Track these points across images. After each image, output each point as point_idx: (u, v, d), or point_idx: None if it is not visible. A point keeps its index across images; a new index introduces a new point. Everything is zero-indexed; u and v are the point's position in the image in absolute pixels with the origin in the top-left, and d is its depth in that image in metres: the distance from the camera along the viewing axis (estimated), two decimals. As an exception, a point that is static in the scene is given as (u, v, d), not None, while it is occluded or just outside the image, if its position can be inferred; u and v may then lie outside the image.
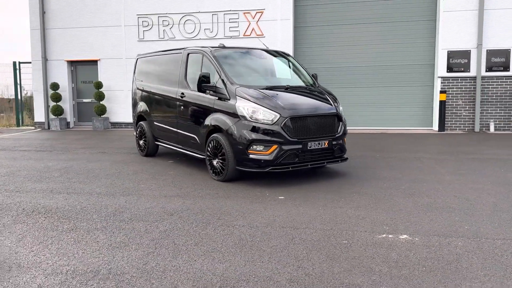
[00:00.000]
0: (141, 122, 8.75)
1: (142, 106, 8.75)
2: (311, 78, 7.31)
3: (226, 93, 6.25)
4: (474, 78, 12.75)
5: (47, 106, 15.46)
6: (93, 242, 3.89)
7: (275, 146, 5.81)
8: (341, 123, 6.44)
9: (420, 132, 12.70)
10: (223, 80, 6.36)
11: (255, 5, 13.86)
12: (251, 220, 4.48)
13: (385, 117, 13.75)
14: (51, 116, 15.28)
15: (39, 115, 15.62)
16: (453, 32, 12.76)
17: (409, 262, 3.37)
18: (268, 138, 5.83)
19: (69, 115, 15.57)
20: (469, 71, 12.80)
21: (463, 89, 12.89)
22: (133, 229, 4.25)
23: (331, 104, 6.45)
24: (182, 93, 7.20)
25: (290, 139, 5.85)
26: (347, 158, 6.63)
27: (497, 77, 12.68)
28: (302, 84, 7.02)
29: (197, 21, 14.29)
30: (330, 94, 6.81)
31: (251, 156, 5.89)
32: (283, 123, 5.82)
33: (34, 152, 9.55)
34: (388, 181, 6.18)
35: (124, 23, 14.77)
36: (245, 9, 13.93)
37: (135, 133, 9.53)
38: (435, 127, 13.15)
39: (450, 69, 12.90)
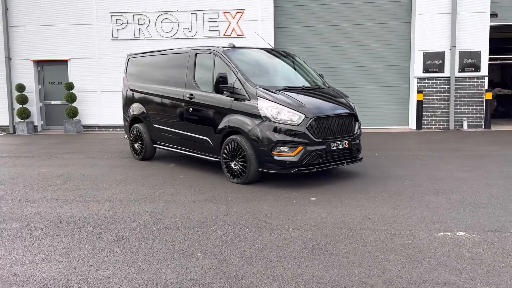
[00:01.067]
0: (137, 125, 8.38)
1: (137, 108, 8.38)
2: (320, 78, 7.32)
3: (245, 94, 6.12)
4: (448, 78, 13.33)
5: (11, 109, 14.48)
6: (152, 253, 3.65)
7: (300, 147, 5.75)
8: (357, 123, 6.50)
9: (398, 131, 13.10)
10: (240, 81, 6.22)
11: (235, 5, 13.72)
12: (301, 223, 4.40)
13: (364, 116, 14.03)
14: (17, 119, 14.33)
15: (3, 118, 14.59)
16: (428, 34, 13.28)
17: (485, 258, 3.44)
18: (293, 139, 5.76)
19: (36, 118, 14.67)
20: (443, 72, 13.37)
21: (438, 89, 13.45)
22: (185, 236, 4.04)
23: (348, 104, 6.49)
24: (191, 94, 6.96)
25: (315, 139, 5.81)
26: (362, 158, 6.70)
27: (469, 77, 13.34)
28: (314, 84, 7.01)
29: (175, 20, 13.93)
30: (343, 94, 6.85)
31: (275, 157, 5.80)
32: (308, 123, 5.78)
33: (15, 159, 8.90)
34: (407, 180, 6.30)
35: (97, 21, 14.12)
36: (225, 8, 13.75)
37: (126, 136, 9.16)
38: (412, 125, 13.61)
39: (425, 69, 13.41)
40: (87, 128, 14.49)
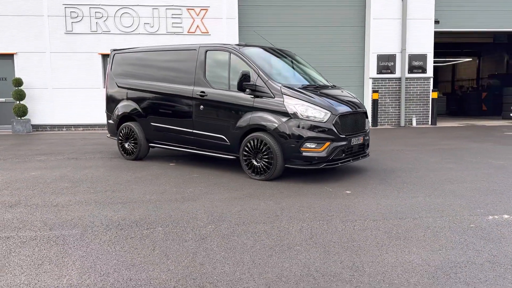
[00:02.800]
0: (129, 123, 8.04)
1: (128, 105, 8.04)
2: (323, 77, 7.62)
3: (269, 92, 6.22)
4: (399, 79, 14.44)
5: None
6: (252, 248, 3.65)
7: (328, 143, 5.99)
8: (367, 120, 6.90)
9: (358, 128, 13.90)
10: (261, 79, 6.30)
11: (200, 2, 13.59)
12: (361, 214, 4.63)
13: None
14: (-47, 118, 12.86)
15: None
16: (381, 38, 14.26)
17: (545, 235, 3.95)
18: (321, 135, 5.98)
19: (-25, 117, 13.28)
20: (395, 73, 14.45)
21: (390, 88, 14.51)
22: (264, 232, 4.07)
23: (359, 102, 6.87)
24: (202, 92, 6.87)
25: (340, 136, 6.10)
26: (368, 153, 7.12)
27: (417, 78, 14.57)
28: (321, 83, 7.28)
29: (135, 14, 13.43)
30: (349, 92, 7.21)
31: (304, 153, 5.98)
32: (334, 120, 6.04)
33: (-16, 161, 8.07)
34: (412, 171, 6.82)
35: (48, 13, 13.14)
36: (188, 5, 13.55)
37: (109, 136, 8.73)
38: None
39: (379, 71, 14.39)
40: (37, 128, 13.45)
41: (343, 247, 3.68)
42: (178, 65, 7.35)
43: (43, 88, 13.32)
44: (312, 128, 5.97)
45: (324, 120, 6.00)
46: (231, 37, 13.58)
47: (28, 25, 13.07)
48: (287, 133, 6.01)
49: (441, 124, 14.86)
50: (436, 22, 14.60)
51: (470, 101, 22.63)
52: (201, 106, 6.91)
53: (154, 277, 3.15)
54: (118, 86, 8.25)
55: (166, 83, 7.44)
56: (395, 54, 14.37)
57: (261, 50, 7.15)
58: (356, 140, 6.40)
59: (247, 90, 6.35)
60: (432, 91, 14.56)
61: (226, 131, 6.64)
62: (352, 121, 6.41)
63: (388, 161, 7.73)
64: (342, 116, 6.18)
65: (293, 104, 6.04)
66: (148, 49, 8.01)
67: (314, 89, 6.58)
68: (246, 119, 6.38)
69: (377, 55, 14.30)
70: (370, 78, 14.38)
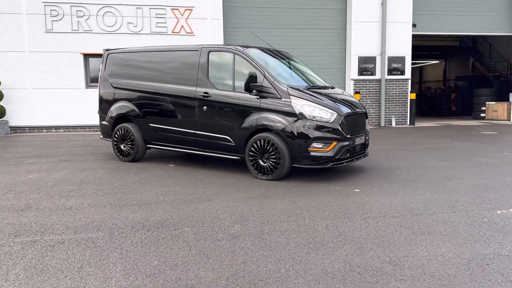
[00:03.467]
0: (125, 124, 7.93)
1: (125, 106, 7.93)
2: (320, 78, 7.78)
3: (276, 92, 6.31)
4: (379, 80, 14.85)
5: None
6: (294, 244, 3.73)
7: (334, 143, 6.14)
8: (367, 120, 7.10)
9: (341, 128, 14.20)
10: (268, 80, 6.38)
11: (184, 2, 13.52)
12: (378, 211, 4.79)
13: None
14: None
15: None
16: (362, 40, 14.63)
17: (554, 228, 4.23)
18: (328, 135, 6.12)
19: None
20: (375, 75, 14.86)
21: (371, 90, 14.90)
22: (293, 230, 4.16)
23: (359, 103, 7.06)
24: (206, 93, 6.88)
25: (346, 135, 6.26)
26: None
27: (396, 80, 15.03)
28: (321, 84, 7.42)
29: (118, 13, 13.21)
30: (348, 93, 7.39)
31: (312, 153, 6.11)
32: (340, 120, 6.20)
33: (-28, 164, 7.76)
34: (410, 169, 7.08)
35: (27, 11, 12.73)
36: (173, 5, 13.46)
37: (102, 137, 8.58)
38: (349, 123, 14.85)
39: (360, 72, 14.75)
40: (16, 129, 13.01)
41: (374, 243, 3.82)
42: (179, 66, 7.32)
43: (22, 88, 12.89)
44: (319, 128, 6.10)
45: (331, 121, 6.14)
46: (216, 37, 13.58)
47: (6, 23, 12.62)
48: (295, 133, 6.11)
49: (418, 124, 15.38)
50: (414, 25, 15.11)
51: (440, 102, 23.54)
52: (204, 107, 6.91)
53: (202, 276, 3.18)
54: (113, 87, 8.12)
55: (166, 84, 7.40)
56: (375, 57, 14.77)
57: (262, 51, 7.23)
58: (359, 140, 6.59)
59: (254, 91, 6.41)
60: (410, 92, 15.06)
61: (231, 131, 6.68)
62: (355, 121, 6.59)
63: (383, 160, 7.97)
64: (347, 116, 6.35)
65: (300, 105, 6.16)
66: (146, 49, 7.93)
67: (317, 90, 6.71)
68: (252, 120, 6.44)
69: (358, 57, 14.66)
70: (351, 79, 14.71)
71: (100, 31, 13.14)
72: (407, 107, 15.14)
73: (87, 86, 13.36)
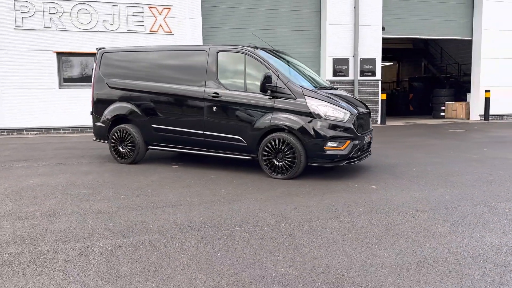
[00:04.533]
0: (124, 125, 7.73)
1: (123, 107, 7.73)
2: (320, 78, 7.98)
3: (290, 93, 6.42)
4: (352, 81, 15.37)
5: None
6: (353, 240, 3.86)
7: (348, 142, 6.35)
8: (370, 119, 7.38)
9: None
10: (282, 80, 6.48)
11: (162, 1, 13.30)
12: (407, 206, 5.02)
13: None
14: None
15: None
16: (336, 42, 15.07)
17: None
18: (343, 134, 6.32)
19: None
20: (348, 76, 15.35)
21: (345, 90, 15.36)
22: (335, 227, 4.30)
23: (364, 103, 7.33)
24: (215, 93, 6.87)
25: (358, 134, 6.49)
26: (369, 150, 7.62)
27: (368, 81, 15.61)
28: (325, 84, 7.62)
29: (93, 11, 12.77)
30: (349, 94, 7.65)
31: (327, 152, 6.28)
32: (353, 120, 6.42)
33: (-42, 170, 7.26)
34: (411, 166, 7.43)
35: (-6, 6, 11.99)
36: (150, 3, 13.20)
37: (95, 139, 8.31)
38: (324, 123, 15.25)
39: (335, 73, 15.19)
40: (-16, 132, 12.21)
41: (424, 236, 4.03)
42: (184, 66, 7.24)
43: (-10, 88, 12.13)
44: (334, 127, 6.29)
45: (345, 120, 6.34)
46: (195, 37, 13.48)
47: (-29, 19, 11.83)
48: (311, 133, 6.26)
49: (388, 123, 16.06)
50: (383, 28, 15.76)
51: (399, 102, 24.68)
52: (214, 107, 6.89)
53: (284, 273, 3.23)
54: (110, 87, 7.89)
55: (170, 84, 7.29)
56: (348, 58, 15.27)
57: (269, 52, 7.31)
58: (367, 139, 6.85)
59: (268, 91, 6.48)
60: (381, 93, 15.70)
61: (243, 131, 6.71)
62: (363, 120, 6.84)
63: (380, 158, 8.31)
64: (358, 116, 6.58)
65: (316, 105, 6.31)
66: (147, 48, 7.78)
67: (327, 91, 6.89)
68: (266, 120, 6.51)
69: (333, 58, 15.08)
70: (326, 80, 15.08)
71: (74, 29, 12.63)
72: (378, 107, 15.77)
73: (61, 86, 12.80)
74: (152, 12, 13.21)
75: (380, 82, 15.75)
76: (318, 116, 6.28)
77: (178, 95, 7.20)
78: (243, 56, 6.81)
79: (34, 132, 12.58)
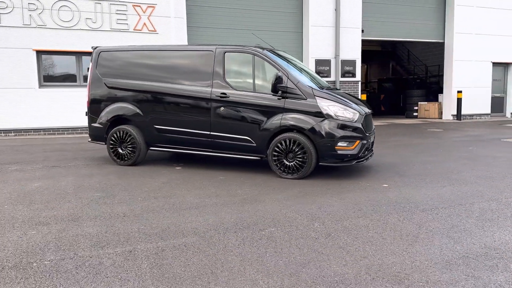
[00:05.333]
0: (123, 126, 7.54)
1: (123, 107, 7.54)
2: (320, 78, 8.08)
3: (301, 93, 6.47)
4: (334, 82, 15.62)
5: None
6: (374, 240, 3.95)
7: (358, 141, 6.47)
8: (372, 119, 7.55)
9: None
10: (292, 81, 6.52)
11: (146, -1, 13.04)
12: (423, 205, 5.17)
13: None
14: None
15: None
16: (318, 43, 15.28)
17: None
18: (353, 134, 6.43)
19: None
20: (330, 77, 15.60)
21: (326, 91, 15.59)
22: (373, 224, 4.38)
23: (366, 103, 7.49)
24: (223, 93, 6.82)
25: (366, 134, 6.63)
26: (370, 150, 7.78)
27: (348, 82, 15.92)
28: (328, 85, 7.71)
29: (75, 8, 12.36)
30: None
31: (338, 152, 6.37)
32: (362, 120, 6.55)
33: None
34: (410, 165, 7.65)
35: (-31, 1, 11.39)
36: (134, 1, 12.92)
37: (90, 140, 8.06)
38: (307, 123, 15.43)
39: (317, 74, 15.36)
40: (-43, 133, 11.57)
41: (456, 232, 4.17)
42: (190, 66, 7.15)
43: (-36, 87, 11.50)
44: (344, 127, 6.39)
45: (354, 120, 6.46)
46: (180, 36, 13.30)
47: None
48: (323, 133, 6.33)
49: (368, 123, 16.43)
50: (362, 31, 16.11)
51: (371, 103, 25.29)
52: (222, 108, 6.85)
53: (341, 272, 3.27)
54: (108, 87, 7.67)
55: (174, 84, 7.18)
56: (330, 60, 15.52)
57: (274, 53, 7.33)
58: (372, 139, 7.00)
59: (279, 92, 6.51)
60: (361, 93, 16.05)
61: (252, 132, 6.70)
62: (368, 120, 6.99)
63: (376, 157, 8.50)
64: (366, 116, 6.72)
65: (326, 105, 6.39)
66: (149, 48, 7.65)
67: (334, 91, 6.99)
68: (277, 121, 6.53)
69: (315, 59, 15.28)
70: (309, 81, 15.25)
71: (55, 26, 12.17)
72: (358, 107, 16.08)
73: (41, 86, 12.29)
74: (136, 11, 12.93)
75: (360, 83, 16.10)
76: (329, 116, 6.36)
77: (183, 96, 7.10)
78: (251, 56, 6.80)
79: (13, 134, 12.03)
